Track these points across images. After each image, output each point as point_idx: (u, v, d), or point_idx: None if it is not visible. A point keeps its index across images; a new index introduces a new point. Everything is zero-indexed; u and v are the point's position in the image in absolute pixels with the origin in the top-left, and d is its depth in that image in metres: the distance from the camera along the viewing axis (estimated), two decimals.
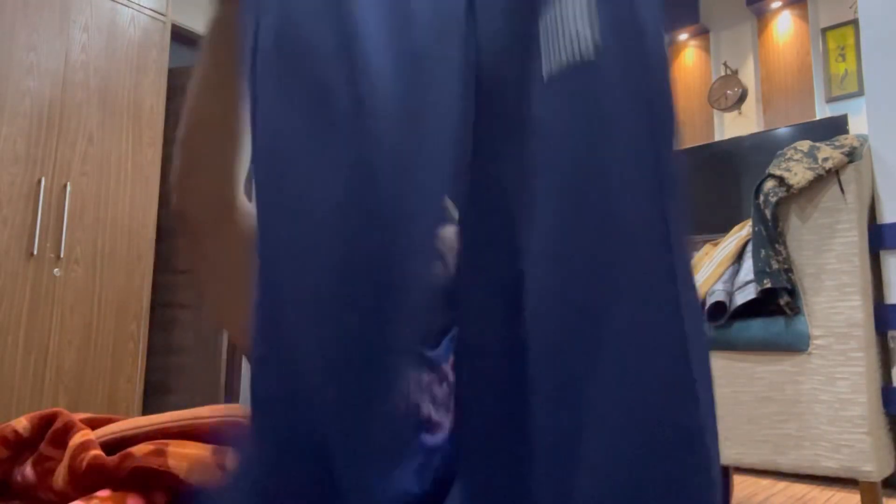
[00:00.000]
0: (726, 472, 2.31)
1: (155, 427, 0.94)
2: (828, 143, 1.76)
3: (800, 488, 2.65)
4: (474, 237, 0.48)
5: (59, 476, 0.83)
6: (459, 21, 0.48)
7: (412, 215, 0.41)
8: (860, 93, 3.31)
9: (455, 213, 0.49)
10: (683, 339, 0.38)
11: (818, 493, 2.56)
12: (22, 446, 0.87)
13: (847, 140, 1.76)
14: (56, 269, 2.55)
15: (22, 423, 0.87)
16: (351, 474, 0.38)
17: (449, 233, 0.62)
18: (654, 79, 0.42)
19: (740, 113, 3.86)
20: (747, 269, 1.78)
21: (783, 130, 3.45)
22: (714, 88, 3.90)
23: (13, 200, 2.46)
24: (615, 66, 0.42)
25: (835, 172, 1.68)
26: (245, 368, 3.50)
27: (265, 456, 0.40)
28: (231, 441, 1.01)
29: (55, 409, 0.90)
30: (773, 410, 1.71)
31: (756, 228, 1.74)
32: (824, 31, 3.58)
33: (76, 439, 0.84)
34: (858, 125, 3.24)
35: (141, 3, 2.94)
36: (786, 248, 1.72)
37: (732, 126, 3.87)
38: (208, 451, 0.88)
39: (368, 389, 0.40)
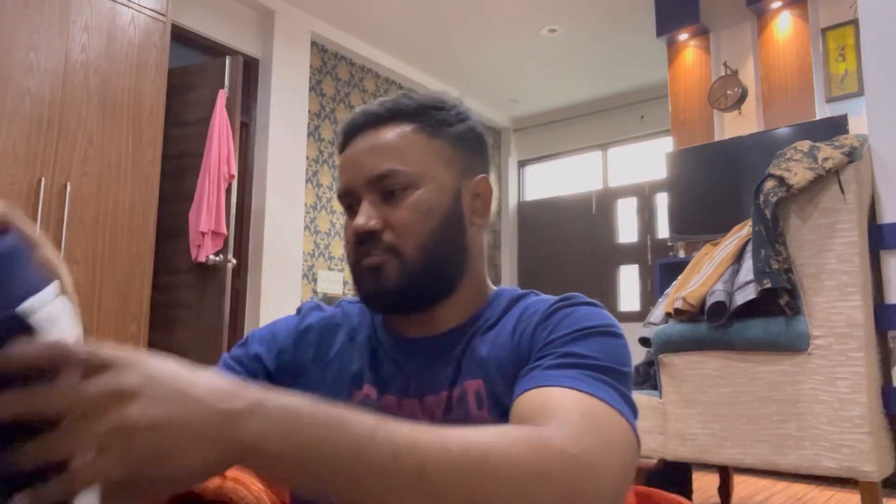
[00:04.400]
0: (726, 472, 2.31)
1: None
2: (828, 143, 1.76)
3: (800, 488, 2.65)
4: None
5: None
6: None
7: None
8: (860, 93, 3.31)
9: None
10: None
11: (818, 493, 2.55)
12: None
13: (847, 140, 1.76)
14: None
15: None
16: None
17: None
18: None
19: (740, 113, 3.85)
20: (747, 269, 1.78)
21: (783, 130, 3.45)
22: (714, 88, 3.89)
23: (13, 200, 2.46)
24: None
25: (835, 172, 1.68)
26: None
27: None
28: None
29: None
30: (773, 410, 1.71)
31: (756, 228, 1.74)
32: (824, 31, 3.58)
33: None
34: (858, 125, 3.23)
35: (141, 3, 2.94)
36: (786, 248, 1.72)
37: (732, 126, 3.86)
38: None
39: None
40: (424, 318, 0.71)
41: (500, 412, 0.63)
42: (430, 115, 0.70)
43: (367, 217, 0.67)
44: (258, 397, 0.41)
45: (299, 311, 0.80)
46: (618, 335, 0.65)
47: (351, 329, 0.76)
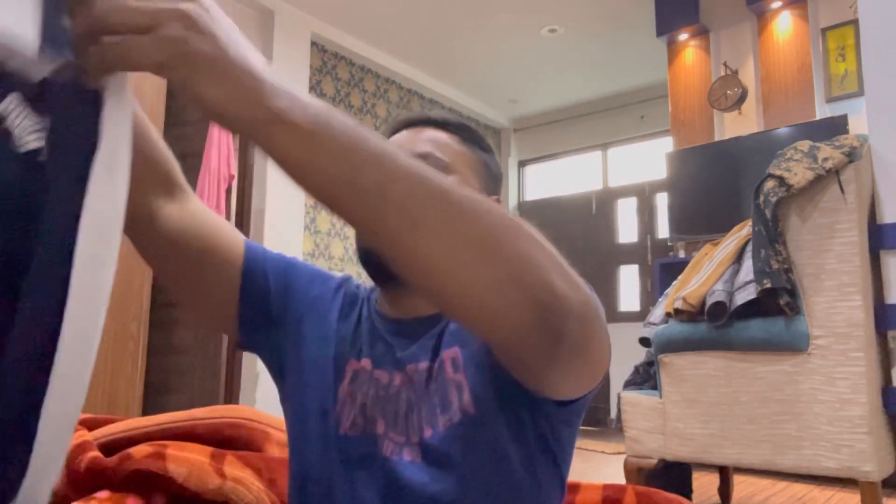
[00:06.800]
0: (726, 472, 2.31)
1: (154, 428, 0.94)
2: (828, 143, 1.76)
3: (800, 488, 2.65)
4: None
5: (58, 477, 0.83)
6: None
7: None
8: (860, 93, 3.31)
9: None
10: None
11: (818, 493, 2.55)
12: None
13: (847, 140, 1.76)
14: None
15: None
16: None
17: None
18: None
19: (740, 113, 3.85)
20: (747, 269, 1.78)
21: (783, 130, 3.45)
22: (714, 88, 3.89)
23: None
24: None
25: (835, 172, 1.68)
26: (245, 369, 3.50)
27: None
28: (230, 443, 1.01)
29: None
30: (773, 410, 1.71)
31: (756, 228, 1.74)
32: (824, 31, 3.58)
33: (73, 441, 0.84)
34: (858, 125, 3.23)
35: None
36: (786, 248, 1.72)
37: (732, 126, 3.87)
38: (207, 455, 0.87)
39: None
40: (412, 299, 0.76)
41: (476, 371, 0.68)
42: (471, 134, 0.81)
43: None
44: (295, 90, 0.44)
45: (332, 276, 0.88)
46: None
47: (360, 307, 0.83)
